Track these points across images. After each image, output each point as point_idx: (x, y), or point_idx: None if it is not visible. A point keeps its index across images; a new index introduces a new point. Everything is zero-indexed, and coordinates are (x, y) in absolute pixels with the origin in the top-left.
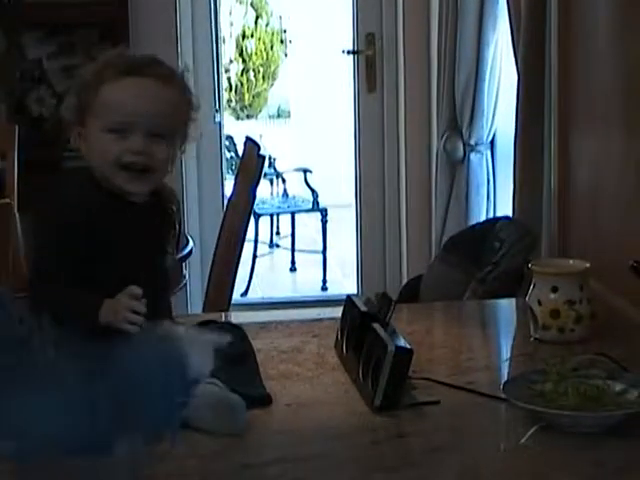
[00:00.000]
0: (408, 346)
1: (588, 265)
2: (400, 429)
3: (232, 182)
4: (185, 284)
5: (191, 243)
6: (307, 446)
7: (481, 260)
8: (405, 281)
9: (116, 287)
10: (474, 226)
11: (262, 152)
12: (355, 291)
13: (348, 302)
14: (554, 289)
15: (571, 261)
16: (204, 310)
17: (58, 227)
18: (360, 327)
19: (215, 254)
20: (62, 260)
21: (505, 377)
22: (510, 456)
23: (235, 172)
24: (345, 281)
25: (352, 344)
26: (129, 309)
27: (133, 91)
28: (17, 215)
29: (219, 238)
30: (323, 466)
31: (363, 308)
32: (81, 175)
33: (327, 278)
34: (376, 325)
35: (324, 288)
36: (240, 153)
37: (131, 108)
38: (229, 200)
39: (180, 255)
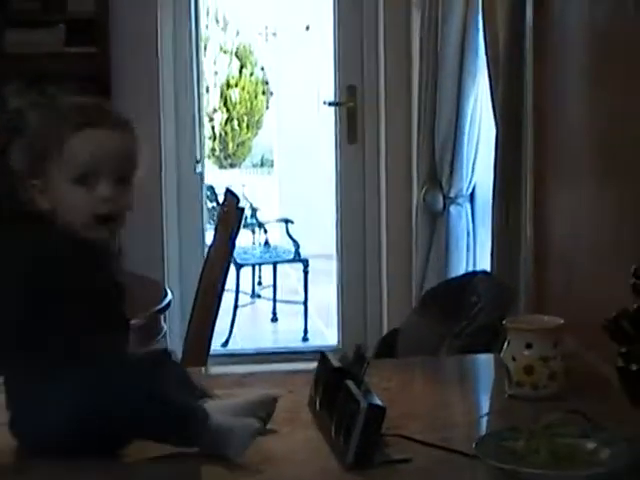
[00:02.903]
0: (381, 403)
1: (562, 322)
2: None
3: (212, 232)
4: (164, 335)
5: (169, 295)
6: None
7: (458, 314)
8: (386, 331)
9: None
10: (451, 280)
11: (243, 203)
12: (336, 342)
13: (322, 358)
14: (528, 345)
15: (545, 317)
16: (182, 361)
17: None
18: (333, 384)
19: (194, 305)
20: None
21: (480, 434)
22: None
23: (215, 223)
24: (327, 331)
25: (325, 401)
26: None
27: (96, 140)
28: None
29: (198, 288)
30: None
31: (336, 364)
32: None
33: (308, 329)
34: (349, 382)
35: (305, 339)
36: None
37: (96, 156)
38: (209, 251)
39: (159, 307)
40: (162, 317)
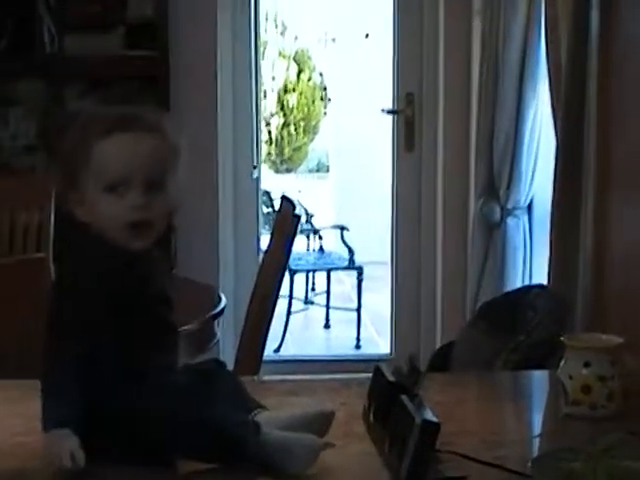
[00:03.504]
0: (435, 420)
1: (621, 341)
2: None
3: (268, 237)
4: (217, 341)
5: (224, 301)
6: None
7: (514, 328)
8: (439, 341)
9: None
10: (508, 293)
11: (299, 209)
12: (388, 350)
13: (376, 371)
14: (586, 364)
15: (604, 336)
16: (235, 368)
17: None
18: (388, 398)
19: (248, 311)
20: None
21: (534, 453)
22: None
23: (271, 229)
24: (379, 340)
25: (379, 415)
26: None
27: (124, 146)
28: (52, 267)
29: (253, 294)
30: None
31: (391, 378)
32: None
33: (361, 336)
34: (403, 397)
35: (358, 346)
36: (277, 208)
37: (125, 163)
38: (264, 257)
39: (213, 312)
40: (216, 323)
